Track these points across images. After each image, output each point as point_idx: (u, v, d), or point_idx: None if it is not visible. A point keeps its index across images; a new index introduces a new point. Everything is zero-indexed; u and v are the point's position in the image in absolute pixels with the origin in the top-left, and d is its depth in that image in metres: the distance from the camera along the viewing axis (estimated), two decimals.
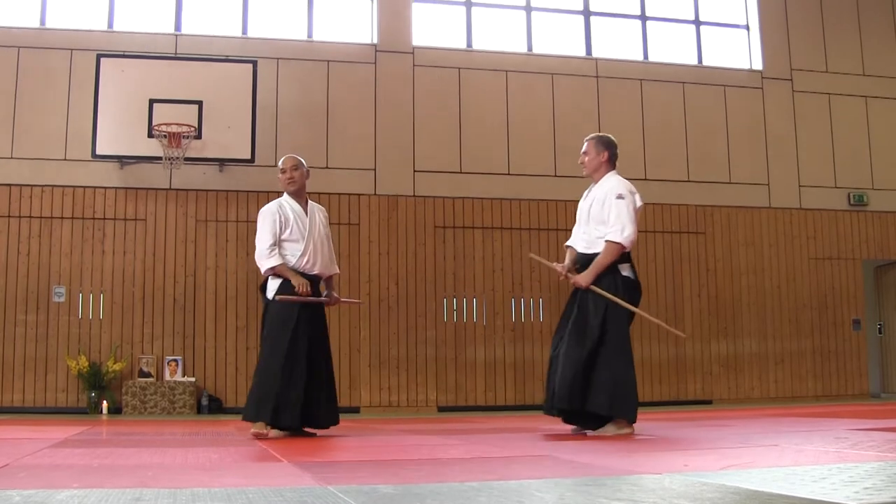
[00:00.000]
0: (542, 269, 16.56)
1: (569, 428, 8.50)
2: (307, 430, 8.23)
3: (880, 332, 18.42)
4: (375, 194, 16.21)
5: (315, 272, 8.42)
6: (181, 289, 15.45)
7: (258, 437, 7.82)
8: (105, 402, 14.51)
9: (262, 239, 8.37)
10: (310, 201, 8.71)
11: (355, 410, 15.44)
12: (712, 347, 17.11)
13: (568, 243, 8.76)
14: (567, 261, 8.70)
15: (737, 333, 17.27)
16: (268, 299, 8.35)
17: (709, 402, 16.85)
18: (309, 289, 8.17)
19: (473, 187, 16.59)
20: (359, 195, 16.14)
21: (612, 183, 8.37)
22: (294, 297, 8.13)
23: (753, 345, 17.27)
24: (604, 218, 8.24)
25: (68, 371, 14.77)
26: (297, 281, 8.17)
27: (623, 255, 8.23)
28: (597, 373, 8.03)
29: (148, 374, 15.01)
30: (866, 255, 18.01)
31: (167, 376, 15.06)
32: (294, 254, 8.36)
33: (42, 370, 14.88)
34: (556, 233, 16.69)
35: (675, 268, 17.23)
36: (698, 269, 17.30)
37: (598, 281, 8.20)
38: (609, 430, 7.98)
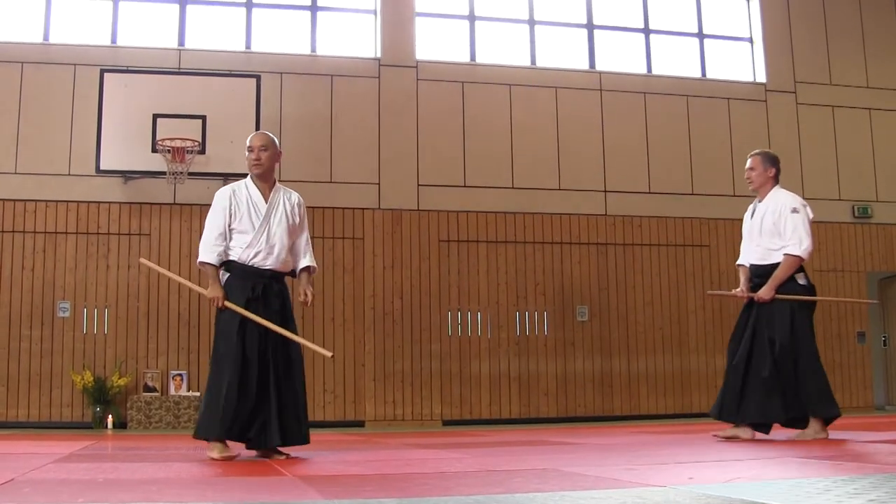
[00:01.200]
0: (545, 282, 16.57)
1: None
2: (281, 449, 7.30)
3: (885, 345, 18.40)
4: (379, 208, 16.21)
5: (268, 267, 7.46)
6: (185, 304, 15.44)
7: (224, 459, 6.99)
8: (110, 416, 14.50)
9: (208, 227, 7.54)
10: (281, 187, 7.84)
11: (360, 424, 15.44)
12: (717, 360, 17.04)
13: (739, 262, 9.18)
14: (742, 280, 9.08)
15: None
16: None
17: None
18: (222, 304, 7.27)
19: (477, 201, 16.60)
20: (363, 209, 16.14)
21: (783, 197, 8.81)
22: (237, 309, 7.25)
23: None
24: (779, 231, 8.65)
25: (73, 386, 14.76)
26: (210, 292, 7.36)
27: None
28: (799, 381, 8.40)
29: (153, 389, 15.00)
30: (871, 267, 17.99)
31: (172, 391, 15.05)
32: (241, 245, 7.46)
33: (47, 385, 14.88)
34: (560, 246, 16.73)
35: (679, 281, 17.21)
36: (702, 282, 17.27)
37: (777, 290, 8.57)
38: (809, 433, 8.37)
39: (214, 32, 16.46)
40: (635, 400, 16.69)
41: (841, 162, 18.10)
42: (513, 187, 16.78)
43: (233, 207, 7.53)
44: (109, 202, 15.36)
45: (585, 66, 17.67)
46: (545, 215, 16.77)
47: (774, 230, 8.67)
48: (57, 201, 15.24)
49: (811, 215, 8.73)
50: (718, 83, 18.05)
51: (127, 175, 15.20)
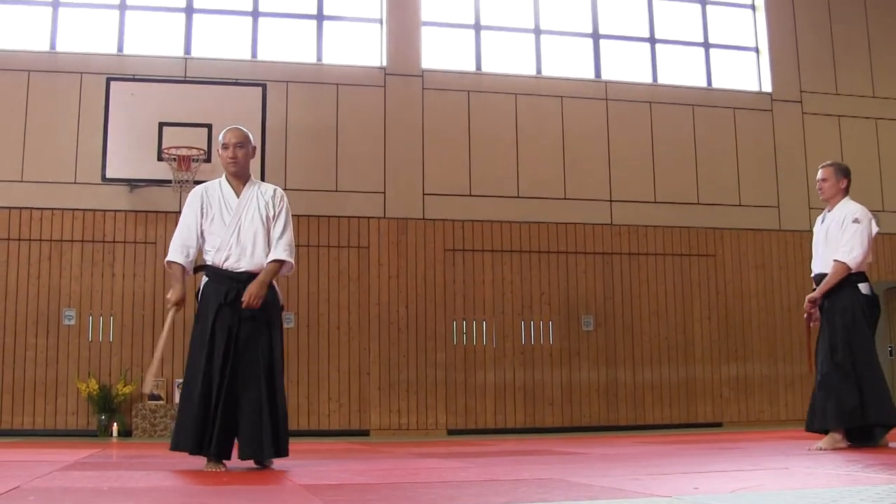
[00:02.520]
0: (550, 292, 16.56)
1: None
2: (259, 463, 6.96)
3: (891, 355, 18.35)
4: (385, 217, 16.20)
5: (242, 269, 7.11)
6: (191, 311, 15.39)
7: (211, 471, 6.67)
8: (115, 424, 14.50)
9: (179, 226, 7.35)
10: (256, 182, 7.49)
11: (365, 433, 15.43)
12: (722, 370, 17.06)
13: (814, 273, 9.13)
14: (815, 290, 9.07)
15: (747, 356, 17.22)
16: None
17: (719, 425, 16.80)
18: (175, 310, 7.24)
19: (483, 210, 16.59)
20: (368, 218, 16.14)
21: (850, 208, 8.82)
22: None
23: (763, 368, 17.22)
24: (839, 238, 8.68)
25: (78, 394, 14.76)
26: (171, 294, 7.27)
27: (860, 273, 8.67)
28: (861, 389, 8.44)
29: (157, 397, 15.00)
30: (877, 277, 17.91)
31: (177, 399, 15.04)
32: (213, 247, 7.19)
33: (52, 393, 14.88)
34: (565, 255, 16.72)
35: (685, 291, 17.19)
36: (708, 291, 17.26)
37: (837, 298, 8.68)
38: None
39: (220, 41, 16.47)
40: (640, 410, 16.67)
41: None
42: (518, 196, 16.77)
43: (204, 207, 7.28)
44: (115, 210, 15.37)
45: (591, 75, 17.67)
46: (551, 224, 16.76)
47: (836, 239, 8.74)
48: (63, 209, 15.25)
49: (876, 228, 8.81)
50: (724, 93, 18.05)
51: (133, 183, 15.21)
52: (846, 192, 8.97)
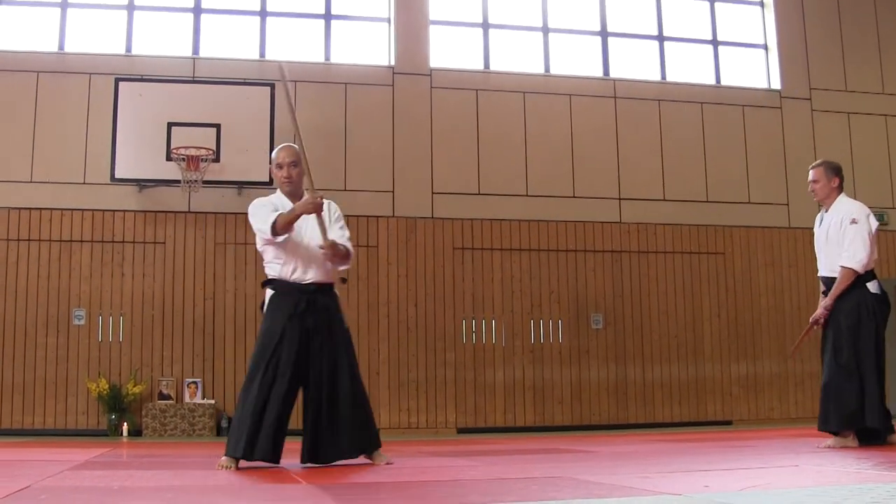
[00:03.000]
0: (560, 290, 16.55)
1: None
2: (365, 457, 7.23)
3: None
4: (394, 216, 16.20)
5: (308, 280, 7.22)
6: (200, 311, 15.46)
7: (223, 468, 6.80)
8: (125, 424, 14.51)
9: (262, 220, 7.14)
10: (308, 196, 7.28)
11: None
12: (732, 368, 17.04)
13: (819, 275, 9.11)
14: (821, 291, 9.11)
15: (756, 354, 17.20)
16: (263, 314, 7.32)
17: (729, 423, 16.78)
18: (320, 201, 7.02)
19: (492, 209, 16.58)
20: (377, 217, 16.14)
21: (846, 207, 8.80)
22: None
23: (773, 366, 17.19)
24: (840, 241, 8.65)
25: (88, 394, 14.78)
26: (301, 206, 7.02)
27: (868, 272, 8.62)
28: (863, 391, 8.41)
29: (167, 397, 15.02)
30: (888, 274, 17.88)
31: (187, 399, 15.07)
32: (279, 261, 7.22)
33: (62, 393, 14.90)
34: (574, 254, 16.71)
35: (695, 288, 17.17)
36: (717, 289, 17.24)
37: (846, 298, 8.61)
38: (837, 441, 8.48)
39: (228, 41, 16.49)
40: (650, 408, 16.66)
41: (856, 169, 18.00)
42: (527, 195, 16.76)
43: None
44: (124, 210, 15.39)
45: (599, 73, 17.66)
46: (559, 223, 16.75)
47: (837, 240, 8.70)
48: (72, 209, 15.27)
49: (875, 225, 8.69)
50: (733, 90, 18.01)
51: (141, 183, 15.23)
52: (840, 189, 8.93)
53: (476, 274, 16.41)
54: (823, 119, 18.12)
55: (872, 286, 8.66)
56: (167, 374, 15.17)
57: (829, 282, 8.80)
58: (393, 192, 16.26)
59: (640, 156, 17.30)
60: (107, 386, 14.56)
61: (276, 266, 7.25)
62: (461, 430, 15.81)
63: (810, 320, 9.02)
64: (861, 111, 18.29)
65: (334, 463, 7.09)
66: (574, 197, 16.91)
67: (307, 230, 7.22)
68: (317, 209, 7.02)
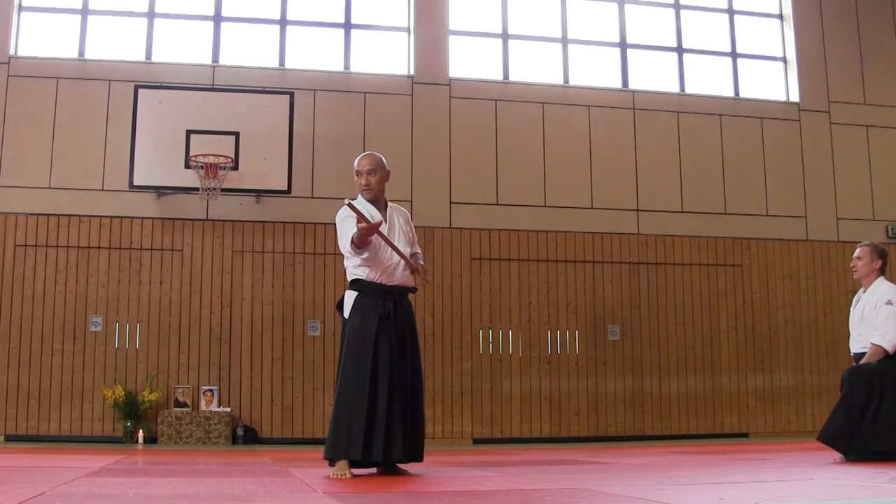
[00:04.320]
0: (577, 301, 16.54)
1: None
2: (401, 466, 7.29)
3: None
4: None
5: (395, 283, 7.39)
6: (217, 319, 15.48)
7: (337, 478, 6.80)
8: (140, 431, 14.53)
9: (343, 237, 7.24)
10: (389, 204, 7.66)
11: None
12: (749, 381, 16.99)
13: (852, 351, 9.36)
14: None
15: (774, 367, 17.15)
16: (345, 318, 7.39)
17: (745, 436, 16.73)
18: (375, 223, 6.89)
19: (510, 219, 16.58)
20: None
21: (884, 289, 9.03)
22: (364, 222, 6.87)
23: (790, 378, 17.14)
24: (874, 320, 8.89)
25: (104, 400, 14.80)
26: (366, 225, 6.87)
27: None
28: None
29: (183, 404, 15.03)
30: None
31: (203, 406, 15.07)
32: (368, 263, 7.30)
33: (78, 399, 14.93)
34: (591, 265, 16.68)
35: (712, 300, 17.13)
36: (735, 301, 17.20)
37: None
38: None
39: (248, 49, 16.53)
40: (667, 420, 16.62)
41: (875, 182, 17.98)
42: (545, 206, 16.75)
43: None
44: (142, 217, 15.42)
45: (618, 84, 17.64)
46: (577, 234, 16.73)
47: (872, 319, 8.93)
48: (90, 216, 15.31)
49: None
50: (752, 102, 17.98)
51: (160, 190, 15.26)
52: (881, 272, 9.17)
53: (493, 284, 16.40)
54: (842, 132, 18.07)
55: None
56: (183, 382, 15.19)
57: (859, 357, 9.05)
58: (411, 201, 16.25)
59: (659, 167, 17.28)
60: (123, 393, 14.58)
61: (364, 268, 7.34)
62: (477, 441, 15.79)
63: None
64: (880, 124, 18.24)
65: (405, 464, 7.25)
66: (592, 208, 16.89)
67: (395, 238, 7.41)
68: (364, 237, 7.03)
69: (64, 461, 8.93)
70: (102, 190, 15.39)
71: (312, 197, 15.86)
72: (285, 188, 15.18)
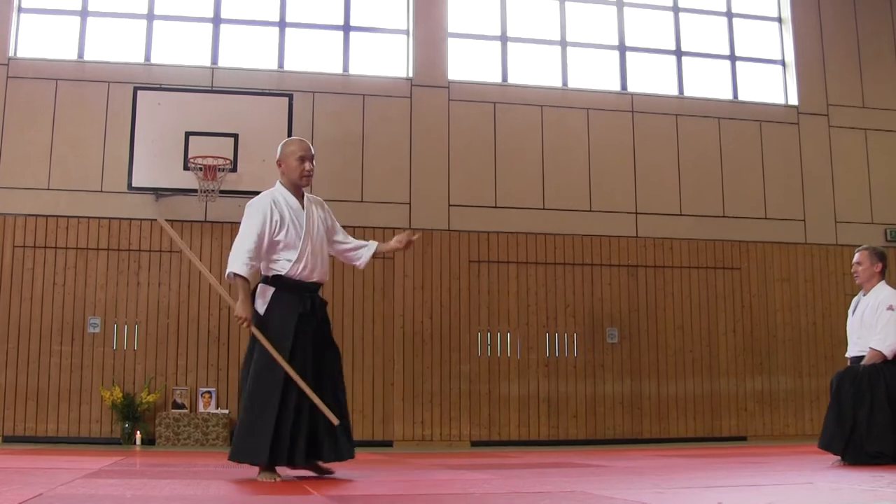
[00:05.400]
0: (575, 304, 16.54)
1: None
2: (321, 465, 7.13)
3: None
4: (410, 228, 16.16)
5: (314, 279, 7.14)
6: (215, 321, 15.47)
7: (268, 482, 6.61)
8: (139, 433, 14.53)
9: (245, 237, 7.00)
10: (306, 194, 7.36)
11: (388, 444, 15.40)
12: (747, 384, 16.99)
13: (847, 354, 9.37)
14: None
15: (772, 370, 17.15)
16: (257, 313, 7.05)
17: (743, 439, 16.73)
18: (248, 325, 6.87)
19: (508, 222, 16.58)
20: (393, 229, 16.09)
21: (884, 294, 9.02)
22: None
23: (789, 381, 17.15)
24: (874, 325, 8.87)
25: (102, 402, 14.80)
26: (240, 309, 6.92)
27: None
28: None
29: (182, 406, 15.03)
30: None
31: (201, 408, 15.07)
32: (289, 259, 7.02)
33: (76, 401, 14.92)
34: (590, 268, 16.69)
35: (710, 304, 17.13)
36: (733, 305, 17.21)
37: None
38: None
39: (247, 51, 16.53)
40: (665, 423, 16.62)
41: (874, 185, 18.00)
42: (544, 208, 16.75)
43: (275, 218, 7.03)
44: (141, 219, 15.41)
45: (617, 87, 17.65)
46: (576, 237, 16.73)
47: (872, 324, 8.91)
48: (89, 217, 15.31)
49: None
50: (750, 106, 17.99)
51: (159, 192, 15.26)
52: (881, 276, 9.15)
53: (492, 287, 16.41)
54: (840, 135, 18.09)
55: None
56: (181, 384, 15.19)
57: (857, 361, 9.04)
58: (410, 203, 16.26)
59: (657, 170, 17.29)
60: (121, 394, 14.58)
61: (284, 263, 7.06)
62: (475, 443, 15.78)
63: None
64: (878, 128, 18.25)
65: (331, 463, 7.10)
66: (591, 211, 16.90)
67: (315, 232, 7.22)
68: (242, 322, 6.94)
69: (62, 462, 8.93)
70: (101, 191, 15.39)
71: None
72: None
